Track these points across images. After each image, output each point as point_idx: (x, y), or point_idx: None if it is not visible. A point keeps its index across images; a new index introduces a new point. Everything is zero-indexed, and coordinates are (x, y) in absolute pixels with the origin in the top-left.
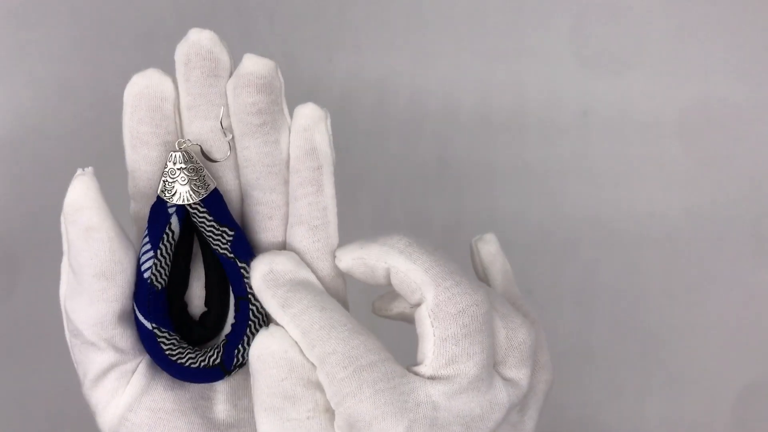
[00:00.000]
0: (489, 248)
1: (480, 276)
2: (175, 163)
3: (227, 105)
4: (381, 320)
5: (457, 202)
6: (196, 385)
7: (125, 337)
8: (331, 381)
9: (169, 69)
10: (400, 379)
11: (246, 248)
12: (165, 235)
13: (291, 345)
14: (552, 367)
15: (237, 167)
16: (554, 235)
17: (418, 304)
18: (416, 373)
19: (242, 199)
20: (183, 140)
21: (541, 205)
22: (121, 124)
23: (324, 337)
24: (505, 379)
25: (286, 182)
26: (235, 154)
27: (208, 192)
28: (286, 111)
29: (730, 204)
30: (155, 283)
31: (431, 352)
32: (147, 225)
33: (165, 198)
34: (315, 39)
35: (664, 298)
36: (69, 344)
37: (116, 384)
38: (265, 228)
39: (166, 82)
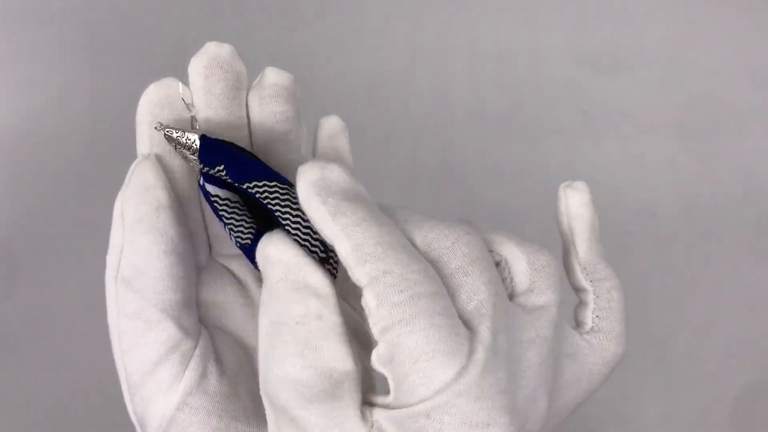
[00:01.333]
0: (581, 197)
1: (564, 230)
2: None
3: (248, 111)
4: None
5: (457, 202)
6: (251, 366)
7: (189, 317)
8: (380, 303)
9: (166, 69)
10: (457, 320)
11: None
12: (216, 205)
13: (287, 247)
14: (625, 341)
15: None
16: (554, 234)
17: None
18: None
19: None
20: (158, 124)
21: (541, 205)
22: (119, 129)
23: (380, 254)
24: (533, 310)
25: None
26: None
27: (197, 147)
28: (301, 119)
29: (730, 204)
30: (242, 241)
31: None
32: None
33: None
34: (315, 39)
35: (664, 298)
36: (118, 333)
37: (178, 368)
38: None
39: (185, 91)
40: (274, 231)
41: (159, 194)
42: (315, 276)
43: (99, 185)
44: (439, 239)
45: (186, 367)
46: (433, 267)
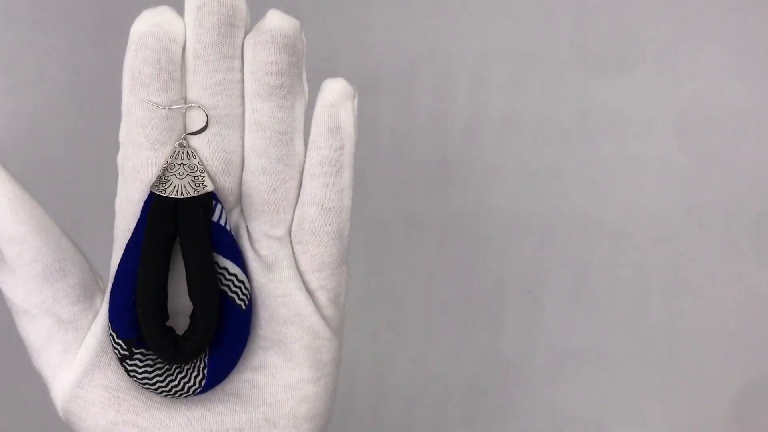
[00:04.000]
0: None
1: None
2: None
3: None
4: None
5: (457, 202)
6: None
7: (60, 303)
8: None
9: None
10: None
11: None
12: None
13: None
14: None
15: (243, 128)
16: (554, 234)
17: None
18: None
19: (243, 165)
20: (183, 140)
21: (541, 205)
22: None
23: None
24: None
25: (295, 155)
26: (242, 117)
27: (206, 190)
28: (304, 77)
29: (730, 204)
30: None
31: None
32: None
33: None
34: (315, 39)
35: (664, 298)
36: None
37: (60, 357)
38: (267, 200)
39: (177, 23)
40: None
41: None
42: None
43: (98, 185)
44: None
45: (74, 356)
46: None
